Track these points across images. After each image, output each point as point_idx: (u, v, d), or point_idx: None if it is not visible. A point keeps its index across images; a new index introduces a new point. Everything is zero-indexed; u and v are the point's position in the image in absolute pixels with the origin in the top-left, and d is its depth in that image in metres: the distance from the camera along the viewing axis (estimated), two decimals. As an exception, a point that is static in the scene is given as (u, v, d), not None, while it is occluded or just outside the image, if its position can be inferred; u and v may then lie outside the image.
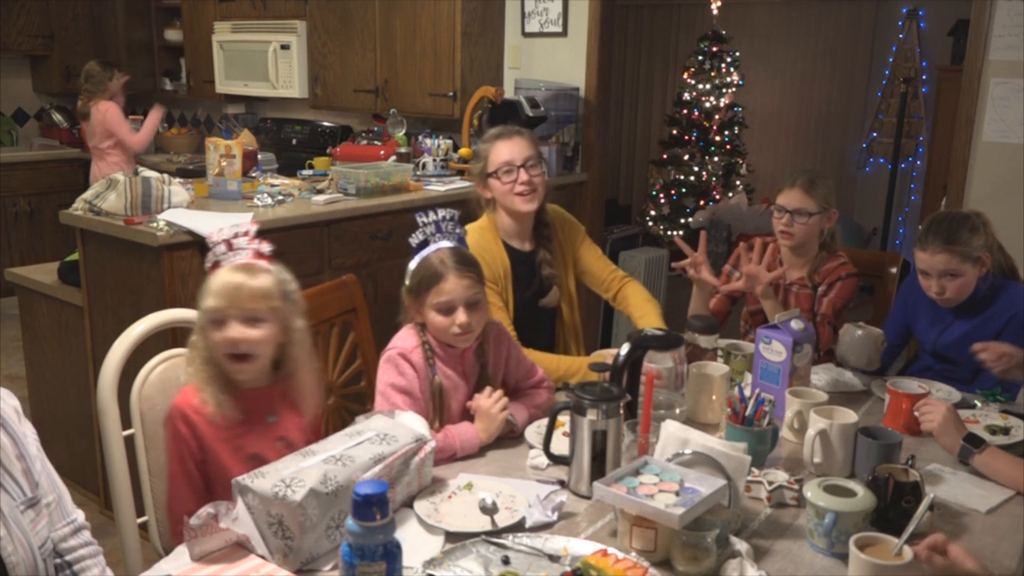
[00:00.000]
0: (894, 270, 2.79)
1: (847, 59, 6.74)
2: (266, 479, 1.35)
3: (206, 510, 1.34)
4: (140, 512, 1.72)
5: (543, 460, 1.70)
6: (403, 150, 4.00)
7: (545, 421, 1.76)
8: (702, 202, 6.77)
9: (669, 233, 6.74)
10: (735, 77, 6.69)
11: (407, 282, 1.86)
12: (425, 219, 1.84)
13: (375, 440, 1.50)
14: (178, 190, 2.97)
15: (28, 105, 6.23)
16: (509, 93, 4.06)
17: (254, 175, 3.66)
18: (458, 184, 3.66)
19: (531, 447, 1.79)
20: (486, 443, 1.80)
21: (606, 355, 2.21)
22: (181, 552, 1.36)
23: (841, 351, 2.11)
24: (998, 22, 3.22)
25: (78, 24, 5.92)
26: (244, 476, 1.36)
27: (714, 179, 6.75)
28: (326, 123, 5.04)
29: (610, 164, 6.60)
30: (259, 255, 1.65)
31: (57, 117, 6.17)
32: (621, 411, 1.59)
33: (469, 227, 1.92)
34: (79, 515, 1.51)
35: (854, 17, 6.66)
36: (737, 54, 6.72)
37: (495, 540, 1.40)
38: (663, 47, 7.61)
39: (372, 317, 2.34)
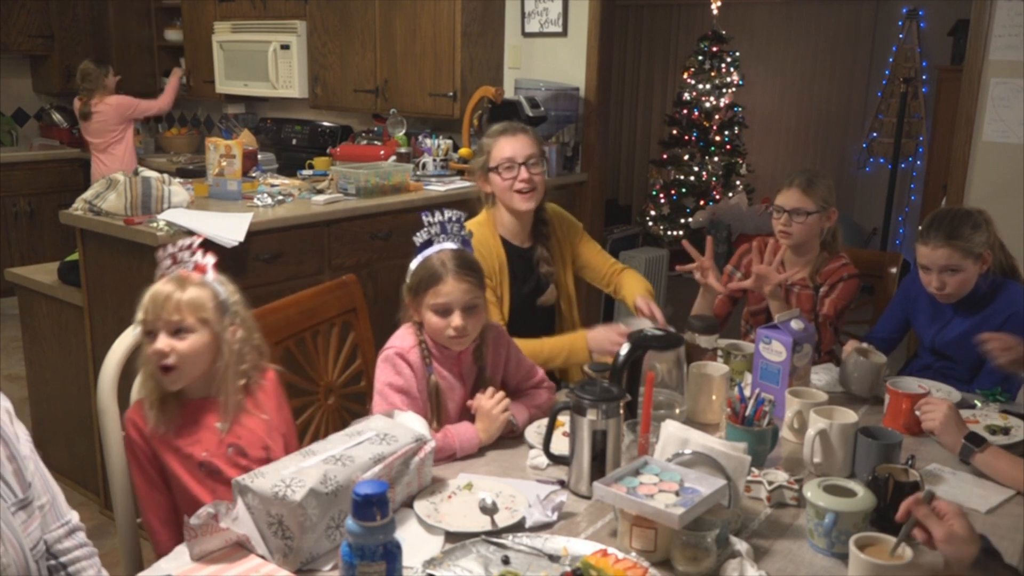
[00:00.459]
0: (894, 270, 2.79)
1: (847, 59, 6.74)
2: (266, 479, 1.35)
3: (206, 510, 1.34)
4: (140, 512, 1.73)
5: (543, 460, 1.70)
6: (403, 150, 4.00)
7: (545, 421, 1.76)
8: (702, 202, 6.77)
9: (669, 233, 6.74)
10: (735, 77, 6.69)
11: (407, 280, 1.87)
12: (431, 219, 1.85)
13: (375, 440, 1.50)
14: (178, 190, 2.97)
15: (28, 105, 6.24)
16: (509, 93, 4.07)
17: (254, 175, 3.66)
18: (458, 184, 3.66)
19: (531, 447, 1.79)
20: (486, 443, 1.79)
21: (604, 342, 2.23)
22: (181, 552, 1.36)
23: (843, 378, 2.09)
24: (998, 22, 3.22)
25: (78, 24, 5.92)
26: (244, 476, 1.36)
27: (714, 179, 6.75)
28: (326, 123, 5.04)
29: (610, 164, 6.60)
30: (200, 268, 1.66)
31: (57, 117, 6.17)
32: (621, 411, 1.59)
33: (468, 222, 1.92)
34: (73, 516, 1.51)
35: (854, 17, 6.66)
36: (737, 54, 6.71)
37: (495, 540, 1.40)
38: (663, 47, 7.61)
39: (372, 317, 2.34)
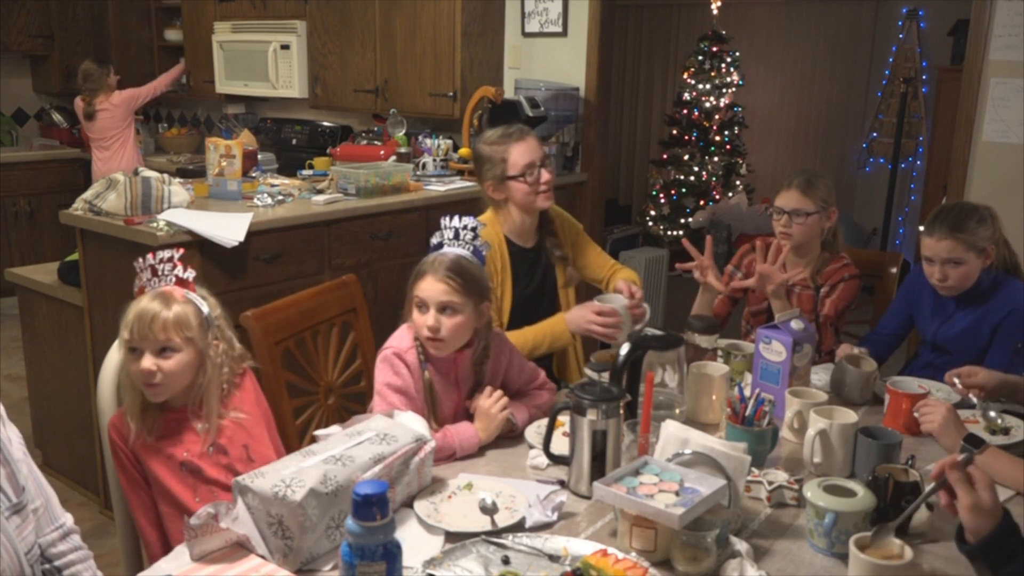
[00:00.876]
0: (894, 270, 2.79)
1: (847, 59, 6.74)
2: (266, 479, 1.35)
3: (206, 510, 1.34)
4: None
5: (543, 460, 1.70)
6: (403, 150, 4.00)
7: (545, 421, 1.76)
8: (702, 202, 6.77)
9: (669, 233, 6.74)
10: (735, 77, 6.68)
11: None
12: (447, 223, 1.88)
13: (375, 440, 1.50)
14: (178, 190, 2.97)
15: (28, 105, 6.24)
16: (509, 93, 4.06)
17: (254, 175, 3.66)
18: (458, 184, 3.66)
19: (531, 447, 1.79)
20: (485, 443, 1.80)
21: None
22: (181, 552, 1.36)
23: (834, 384, 2.09)
24: (998, 22, 3.22)
25: (78, 24, 5.92)
26: (244, 476, 1.36)
27: (714, 179, 6.75)
28: (326, 123, 5.04)
29: (610, 164, 6.60)
30: (181, 282, 1.68)
31: (57, 117, 6.17)
32: (621, 411, 1.59)
33: None
34: (68, 519, 1.51)
35: (854, 17, 6.66)
36: (737, 54, 6.71)
37: (495, 540, 1.40)
38: (663, 47, 7.61)
39: (372, 317, 2.34)
